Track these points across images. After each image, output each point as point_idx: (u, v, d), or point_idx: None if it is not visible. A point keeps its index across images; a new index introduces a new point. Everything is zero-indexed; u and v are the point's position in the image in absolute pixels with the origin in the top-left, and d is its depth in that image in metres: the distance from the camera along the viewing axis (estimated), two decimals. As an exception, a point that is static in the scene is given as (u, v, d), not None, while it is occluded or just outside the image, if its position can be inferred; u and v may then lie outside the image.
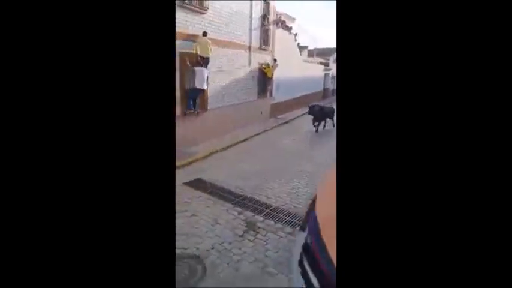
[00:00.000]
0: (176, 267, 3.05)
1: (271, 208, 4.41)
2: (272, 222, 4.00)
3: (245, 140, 8.20)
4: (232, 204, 4.50)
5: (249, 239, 3.61)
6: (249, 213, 4.23)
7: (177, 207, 4.31)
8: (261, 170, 6.09)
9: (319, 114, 9.56)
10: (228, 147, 7.36)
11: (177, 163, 6.13)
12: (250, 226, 3.91)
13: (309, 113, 9.78)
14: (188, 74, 6.84)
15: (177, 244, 3.43)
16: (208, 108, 7.80)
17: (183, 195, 4.77)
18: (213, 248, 3.40)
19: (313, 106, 9.79)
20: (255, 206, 4.47)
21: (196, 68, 6.74)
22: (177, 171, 5.83)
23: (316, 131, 9.61)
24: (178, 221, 3.93)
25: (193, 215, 4.15)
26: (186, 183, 5.24)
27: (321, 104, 10.55)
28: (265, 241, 3.58)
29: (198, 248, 3.38)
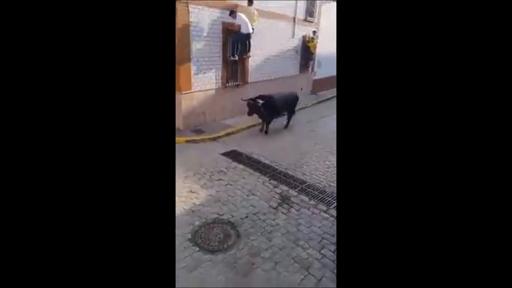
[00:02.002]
0: (211, 231, 3.19)
1: (306, 184, 4.37)
2: (306, 198, 3.98)
3: (283, 114, 8.08)
4: (268, 177, 4.53)
5: (282, 212, 3.64)
6: (284, 187, 4.24)
7: (214, 176, 4.45)
8: (298, 147, 6.01)
9: (269, 108, 6.41)
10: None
11: (215, 134, 6.27)
12: (285, 200, 3.92)
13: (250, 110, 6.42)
14: (232, 42, 6.74)
15: (212, 210, 3.57)
16: (249, 81, 7.73)
17: (219, 165, 4.89)
18: (247, 217, 3.48)
19: (256, 100, 6.34)
20: (290, 181, 4.46)
21: (241, 14, 6.54)
22: (214, 143, 5.98)
23: (266, 132, 6.77)
24: (214, 189, 4.07)
25: (228, 184, 4.26)
26: (222, 154, 5.36)
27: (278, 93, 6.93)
28: (298, 216, 3.58)
29: (232, 216, 3.49)
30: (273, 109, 6.55)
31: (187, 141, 5.90)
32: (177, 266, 2.68)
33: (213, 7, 6.20)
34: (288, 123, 7.36)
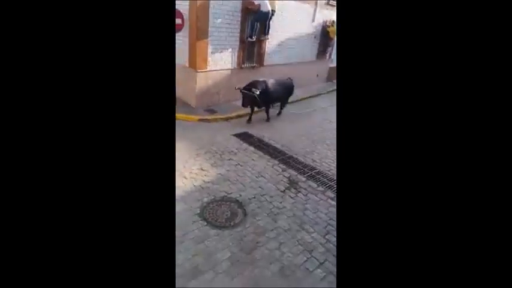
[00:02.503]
0: (219, 208, 3.27)
1: (315, 171, 4.38)
2: (315, 185, 4.00)
3: (297, 101, 7.99)
4: (278, 161, 4.55)
5: (290, 196, 3.68)
6: (292, 172, 4.26)
7: (224, 156, 4.50)
8: (310, 133, 5.98)
9: (265, 97, 5.91)
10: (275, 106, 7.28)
11: (227, 115, 6.28)
12: (293, 184, 3.95)
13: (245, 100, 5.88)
14: (251, 22, 6.61)
15: (221, 188, 3.64)
16: (265, 64, 7.63)
17: (230, 145, 4.94)
18: (254, 198, 3.54)
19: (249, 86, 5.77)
20: (300, 166, 4.47)
21: None
22: (226, 123, 6.00)
23: (267, 119, 6.43)
24: (224, 168, 4.13)
25: (238, 164, 4.31)
26: (234, 135, 5.39)
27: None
28: (305, 200, 3.62)
29: (240, 195, 3.55)
30: (269, 97, 6.08)
31: (199, 120, 5.94)
32: (185, 237, 2.78)
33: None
34: (280, 111, 6.93)
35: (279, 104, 6.80)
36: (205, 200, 3.40)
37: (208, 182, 3.76)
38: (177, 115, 5.89)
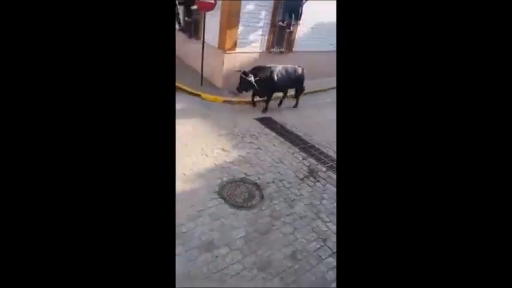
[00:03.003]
0: (237, 188, 3.33)
1: (335, 162, 4.32)
2: (334, 176, 3.96)
3: (323, 90, 7.82)
4: (299, 149, 4.53)
5: (308, 184, 3.67)
6: (313, 161, 4.23)
7: (246, 139, 4.53)
8: (334, 124, 5.87)
9: (264, 85, 5.48)
10: (304, 93, 7.16)
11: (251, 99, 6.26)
12: (312, 173, 3.93)
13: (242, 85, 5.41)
14: (284, 6, 6.45)
15: (240, 170, 3.69)
16: (294, 49, 7.47)
17: (252, 129, 4.95)
18: (273, 182, 3.57)
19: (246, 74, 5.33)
20: (321, 156, 4.43)
21: None
22: (250, 106, 5.99)
23: (265, 109, 5.89)
24: (244, 151, 4.17)
25: (259, 148, 4.33)
26: (256, 119, 5.39)
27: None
28: (323, 190, 3.60)
29: (259, 178, 3.59)
30: (271, 86, 5.58)
31: (224, 101, 5.98)
32: (202, 212, 2.87)
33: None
34: (296, 103, 6.43)
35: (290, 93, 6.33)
36: (225, 179, 3.47)
37: (229, 163, 3.82)
38: (203, 95, 5.96)
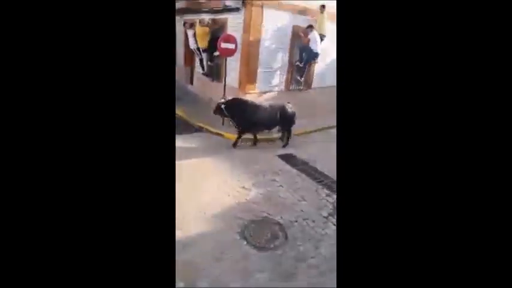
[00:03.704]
0: (259, 228, 3.24)
1: (362, 198, 4.14)
2: (361, 213, 3.77)
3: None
4: (322, 185, 4.41)
5: (332, 223, 3.51)
6: (337, 198, 4.09)
7: (267, 176, 4.51)
8: (357, 158, 5.72)
9: (237, 116, 5.44)
10: (323, 128, 7.15)
11: (273, 135, 6.34)
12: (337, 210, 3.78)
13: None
14: (300, 48, 6.75)
15: (262, 209, 3.62)
16: (313, 86, 7.64)
17: (274, 165, 4.94)
18: (296, 221, 3.45)
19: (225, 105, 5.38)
20: (345, 192, 4.27)
21: (315, 32, 6.43)
22: (271, 143, 6.04)
23: (234, 144, 5.64)
24: (266, 188, 4.13)
25: (281, 185, 4.27)
26: (278, 155, 5.39)
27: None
28: (350, 229, 3.42)
29: (282, 217, 3.50)
30: (243, 119, 5.39)
31: (244, 139, 6.09)
32: (224, 255, 2.80)
33: (285, 10, 6.30)
34: (286, 141, 5.88)
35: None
36: (247, 219, 3.41)
37: (250, 201, 3.78)
38: (224, 134, 6.12)
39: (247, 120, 5.45)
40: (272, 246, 3.01)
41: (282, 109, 5.62)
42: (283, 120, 5.66)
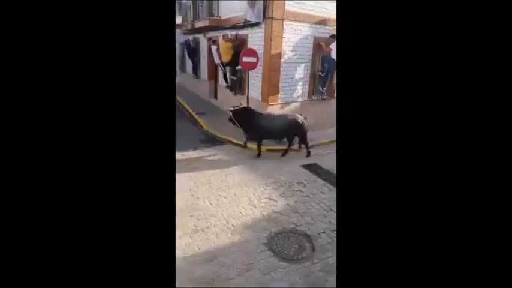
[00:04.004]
0: (287, 239, 3.22)
1: (392, 209, 3.99)
2: (392, 224, 3.63)
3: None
4: (349, 195, 4.31)
5: (363, 234, 3.41)
6: (366, 208, 3.97)
7: (293, 187, 4.48)
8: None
9: (247, 124, 5.53)
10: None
11: (297, 146, 6.31)
12: (366, 221, 3.66)
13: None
14: (322, 58, 6.76)
15: (289, 220, 3.60)
16: (335, 95, 7.57)
17: (299, 176, 4.90)
18: (324, 233, 3.39)
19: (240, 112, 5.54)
20: (374, 202, 4.14)
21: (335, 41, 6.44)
22: (295, 154, 6.02)
23: (258, 154, 5.71)
24: (292, 199, 4.09)
25: (307, 196, 4.22)
26: (302, 166, 5.35)
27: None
28: (381, 241, 3.29)
29: (309, 229, 3.45)
30: (249, 126, 5.48)
31: (268, 150, 6.11)
32: (251, 266, 2.80)
33: (305, 21, 6.37)
34: (307, 151, 5.78)
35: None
36: (274, 230, 3.39)
37: (277, 212, 3.77)
38: (248, 145, 6.19)
39: (252, 127, 5.56)
40: (300, 257, 2.97)
41: (291, 119, 5.59)
42: (293, 130, 5.62)
